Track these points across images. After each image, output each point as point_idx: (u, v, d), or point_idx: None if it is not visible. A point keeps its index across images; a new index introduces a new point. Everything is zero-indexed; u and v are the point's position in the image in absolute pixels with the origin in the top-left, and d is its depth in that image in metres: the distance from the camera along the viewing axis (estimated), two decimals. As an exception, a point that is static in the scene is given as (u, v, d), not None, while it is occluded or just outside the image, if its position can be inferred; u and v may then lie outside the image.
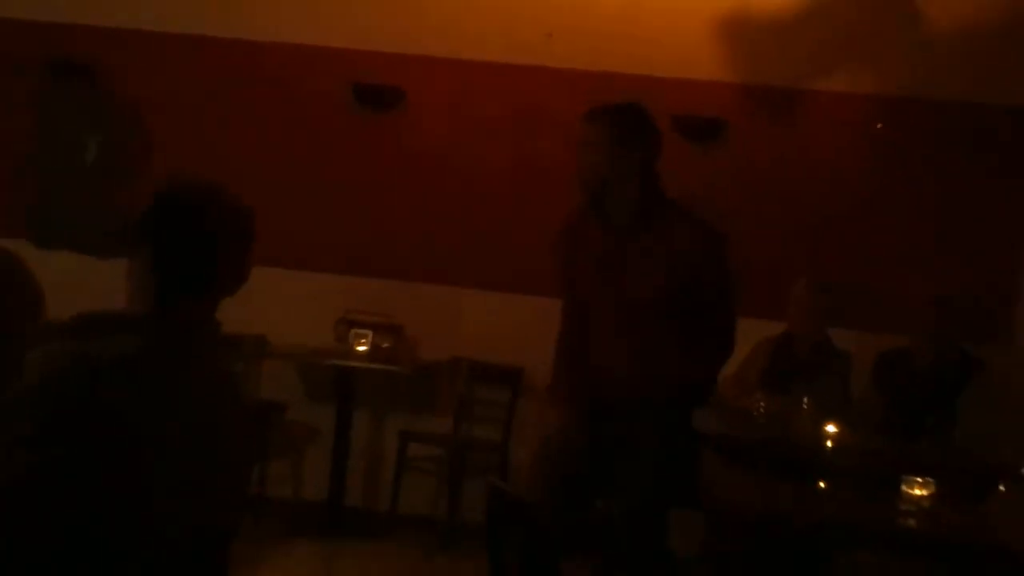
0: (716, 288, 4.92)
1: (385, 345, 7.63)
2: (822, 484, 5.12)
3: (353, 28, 7.84)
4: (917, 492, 4.61)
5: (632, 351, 4.90)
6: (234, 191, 2.84)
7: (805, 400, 6.03)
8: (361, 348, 7.55)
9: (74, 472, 2.38)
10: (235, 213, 2.83)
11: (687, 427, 5.06)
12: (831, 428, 5.66)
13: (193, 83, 7.96)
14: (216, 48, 7.94)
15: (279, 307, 7.76)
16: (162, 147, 7.75)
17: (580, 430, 5.02)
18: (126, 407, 2.49)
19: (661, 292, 4.82)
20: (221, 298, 2.79)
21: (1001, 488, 4.66)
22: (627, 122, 4.91)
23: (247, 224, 2.84)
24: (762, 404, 6.20)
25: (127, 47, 7.93)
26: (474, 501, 7.23)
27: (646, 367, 4.89)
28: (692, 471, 4.97)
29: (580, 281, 5.07)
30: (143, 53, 7.94)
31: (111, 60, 7.94)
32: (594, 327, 5.01)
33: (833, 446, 5.60)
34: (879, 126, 7.52)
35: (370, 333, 7.60)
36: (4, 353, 2.18)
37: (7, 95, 8.00)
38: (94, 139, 7.91)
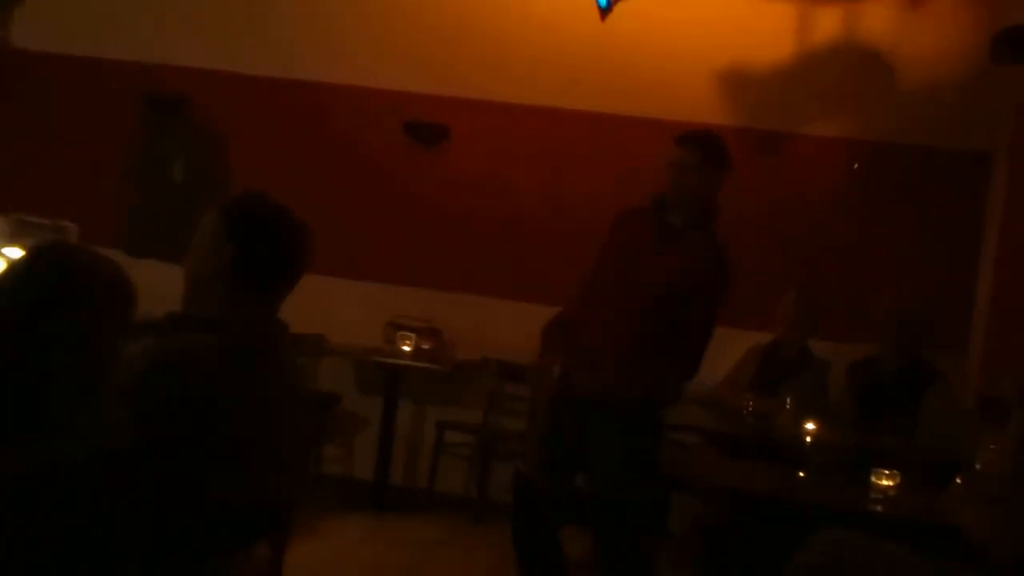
0: (702, 315, 4.88)
1: (426, 346, 7.64)
2: (801, 474, 5.11)
3: (405, 73, 7.86)
4: (884, 483, 4.62)
5: (630, 342, 4.83)
6: (300, 213, 2.82)
7: (788, 401, 6.02)
8: (406, 348, 7.57)
9: (168, 446, 2.41)
10: (298, 225, 2.79)
11: (655, 419, 4.99)
12: (810, 425, 5.65)
13: (268, 117, 8.00)
14: (288, 88, 7.98)
15: (336, 311, 7.80)
16: (239, 172, 7.80)
17: (561, 407, 4.98)
18: (207, 393, 2.51)
19: (672, 296, 4.80)
20: (282, 300, 2.77)
21: (958, 480, 4.65)
22: (715, 147, 4.91)
23: (305, 236, 2.78)
24: (751, 404, 6.19)
25: (212, 85, 7.98)
26: (501, 482, 7.26)
27: (637, 360, 4.84)
28: (656, 459, 4.90)
29: (613, 265, 5.00)
30: (226, 90, 7.98)
31: (198, 95, 7.99)
32: (604, 315, 4.95)
33: (812, 441, 5.59)
34: (856, 166, 7.53)
35: (414, 336, 7.61)
36: (110, 344, 2.20)
37: (110, 124, 8.06)
38: (181, 163, 7.96)
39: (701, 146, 4.90)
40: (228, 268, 2.65)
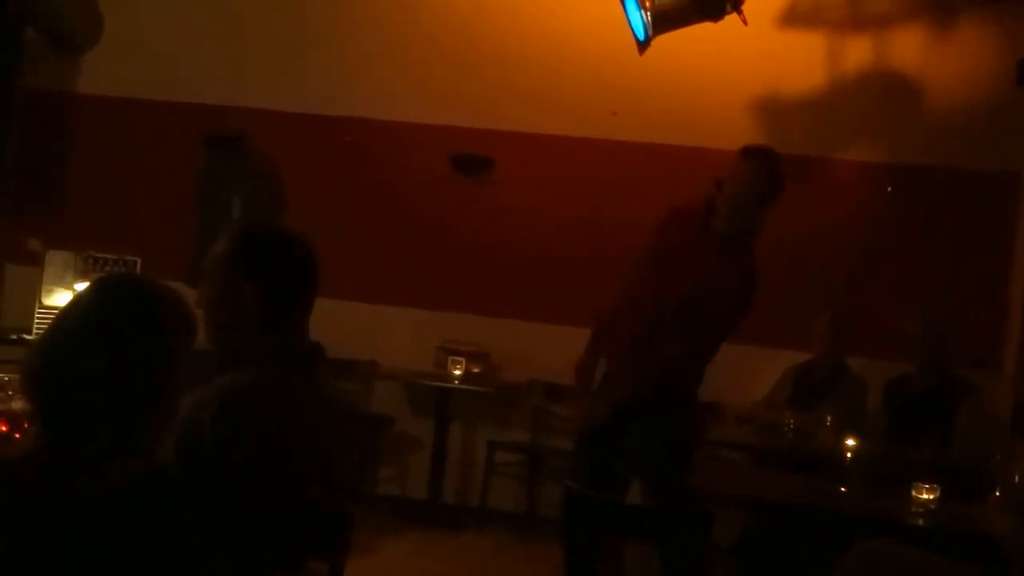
0: (739, 317, 4.83)
1: (475, 369, 7.63)
2: (843, 488, 5.04)
3: (450, 108, 7.88)
4: (925, 496, 4.54)
5: (670, 350, 4.80)
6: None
7: (828, 418, 5.97)
8: (456, 372, 7.55)
9: (227, 474, 2.43)
10: (304, 245, 2.74)
11: (692, 427, 4.94)
12: (850, 441, 5.58)
13: (320, 153, 8.04)
14: (339, 124, 8.02)
15: (388, 337, 7.83)
16: (294, 206, 7.83)
17: (607, 419, 4.93)
18: (257, 425, 2.52)
19: (706, 304, 4.75)
20: (305, 320, 2.73)
21: (996, 492, 4.57)
22: (777, 164, 4.84)
23: (312, 254, 2.73)
24: (791, 421, 6.14)
25: (268, 123, 8.02)
26: (549, 499, 7.22)
27: (675, 369, 4.79)
28: (687, 466, 4.84)
29: (658, 267, 4.96)
30: (280, 128, 8.02)
31: (255, 134, 8.04)
32: (643, 323, 4.90)
33: (852, 456, 5.52)
34: (888, 188, 7.47)
35: (463, 359, 7.59)
36: (174, 371, 2.20)
37: (173, 163, 8.12)
38: (239, 198, 8.00)
39: (767, 164, 4.82)
40: (246, 298, 2.61)
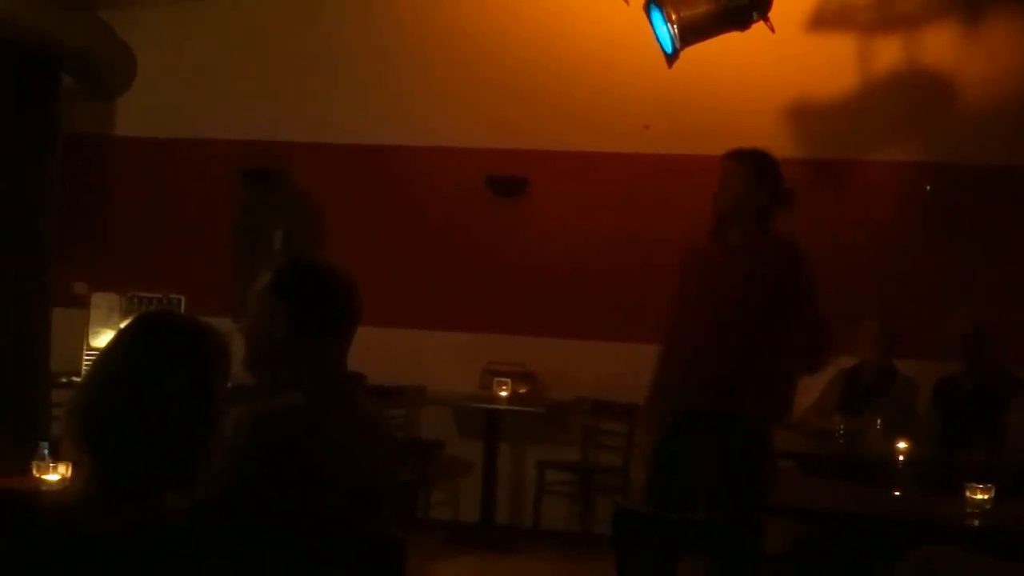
0: (801, 295, 4.81)
1: (522, 390, 7.62)
2: (896, 492, 5.00)
3: (484, 130, 7.90)
4: (979, 496, 4.48)
5: (724, 362, 4.77)
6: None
7: (879, 421, 5.92)
8: (503, 393, 7.54)
9: (272, 499, 2.45)
10: (345, 278, 2.78)
11: (767, 439, 4.91)
12: (901, 444, 5.54)
13: (357, 182, 8.07)
14: (377, 153, 8.06)
15: (434, 362, 7.85)
16: (333, 237, 7.88)
17: (669, 440, 4.92)
18: (300, 450, 2.55)
19: (755, 303, 4.72)
20: (346, 350, 2.75)
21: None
22: (762, 162, 4.86)
23: (353, 286, 2.77)
24: (841, 425, 6.10)
25: (304, 156, 8.08)
26: (603, 516, 7.19)
27: (736, 380, 4.76)
28: (768, 479, 4.81)
29: (691, 293, 4.97)
30: (317, 160, 8.07)
31: (292, 167, 8.09)
32: (692, 339, 4.90)
33: (903, 459, 5.48)
34: (927, 188, 7.41)
35: (509, 380, 7.58)
36: (216, 403, 2.22)
37: (212, 200, 8.18)
38: (279, 231, 8.05)
39: (744, 159, 4.86)
40: (282, 327, 2.65)
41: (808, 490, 5.20)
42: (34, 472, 3.50)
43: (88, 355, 6.71)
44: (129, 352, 2.18)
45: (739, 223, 4.83)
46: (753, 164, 4.85)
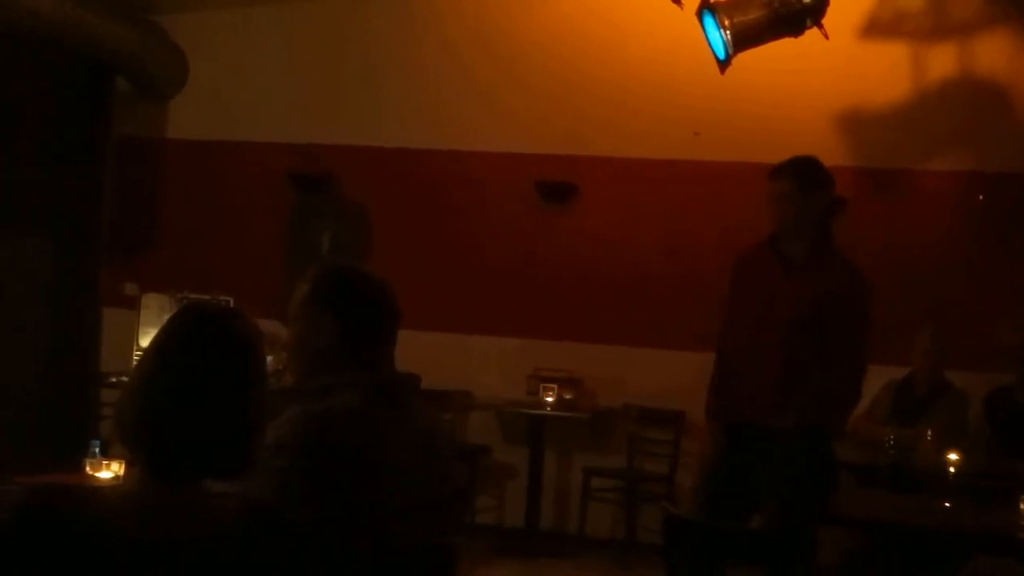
0: (851, 331, 4.74)
1: (568, 396, 7.59)
2: (947, 503, 4.94)
3: (533, 136, 7.89)
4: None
5: (781, 376, 4.73)
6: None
7: (929, 432, 5.85)
8: (548, 399, 7.52)
9: (321, 498, 2.44)
10: (382, 282, 2.80)
11: (827, 448, 4.85)
12: (952, 455, 5.48)
13: (406, 186, 8.09)
14: (425, 157, 8.07)
15: (480, 367, 7.84)
16: (381, 240, 7.90)
17: (728, 450, 4.88)
18: (355, 450, 2.56)
19: (813, 321, 4.67)
20: (391, 352, 2.76)
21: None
22: (809, 173, 4.80)
23: (390, 290, 2.79)
24: (891, 436, 6.04)
25: (353, 159, 8.10)
26: (648, 524, 7.15)
27: (792, 393, 4.71)
28: (829, 490, 4.76)
29: (745, 305, 4.93)
30: (366, 164, 8.10)
31: (341, 170, 8.12)
32: (748, 352, 4.86)
33: (955, 470, 5.42)
34: (980, 197, 7.33)
35: (555, 386, 7.56)
36: (260, 393, 2.22)
37: (262, 203, 8.23)
38: (327, 234, 8.08)
39: (788, 175, 4.78)
40: (325, 334, 2.68)
41: (860, 500, 5.14)
42: (87, 470, 3.52)
43: (138, 355, 6.75)
44: (173, 344, 2.19)
45: (798, 238, 4.77)
46: (797, 176, 4.78)
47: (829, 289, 4.67)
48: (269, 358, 3.14)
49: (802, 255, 4.77)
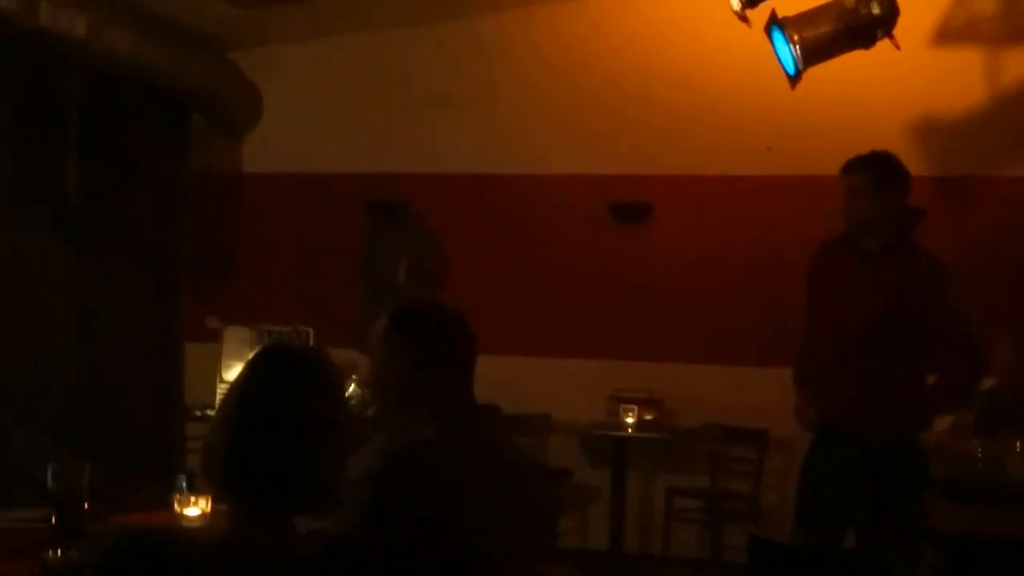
0: (949, 317, 4.68)
1: (648, 416, 7.56)
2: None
3: (605, 157, 7.90)
4: None
5: (866, 376, 4.67)
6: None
7: (1018, 443, 5.74)
8: (629, 420, 7.48)
9: (407, 531, 2.47)
10: (458, 313, 2.86)
11: (920, 457, 4.79)
12: (1044, 466, 5.37)
13: (479, 212, 8.13)
14: (497, 182, 8.11)
15: (559, 390, 7.83)
16: (457, 268, 7.94)
17: (815, 461, 4.83)
18: (440, 483, 2.58)
19: (896, 316, 4.61)
20: (470, 383, 2.80)
21: None
22: (883, 168, 4.76)
23: (465, 320, 2.85)
24: (979, 449, 5.93)
25: (427, 187, 8.16)
26: (732, 543, 7.10)
27: (880, 394, 4.65)
28: (920, 501, 4.69)
29: (825, 301, 4.88)
30: (439, 191, 8.15)
31: (415, 198, 8.18)
32: (827, 354, 4.80)
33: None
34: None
35: (635, 407, 7.53)
36: (343, 430, 2.25)
37: (336, 232, 8.31)
38: (403, 263, 8.14)
39: (862, 170, 4.75)
40: (413, 368, 2.72)
41: (951, 515, 5.05)
42: (175, 506, 3.56)
43: (222, 388, 6.84)
44: (255, 384, 2.23)
45: (875, 231, 4.73)
46: (872, 169, 4.75)
47: (911, 283, 4.61)
48: (354, 389, 3.19)
49: (878, 248, 4.72)
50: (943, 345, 4.69)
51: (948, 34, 7.35)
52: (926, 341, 4.68)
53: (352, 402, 2.99)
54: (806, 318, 5.04)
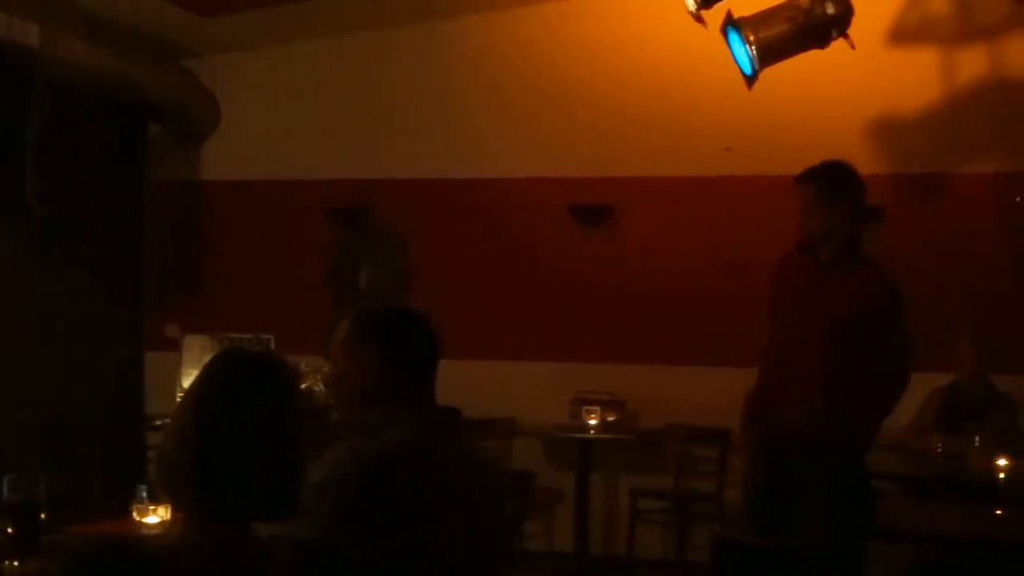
0: (891, 328, 4.72)
1: (612, 418, 7.56)
2: (998, 511, 4.88)
3: (565, 159, 7.90)
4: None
5: (816, 388, 4.70)
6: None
7: (977, 439, 5.79)
8: (592, 422, 7.48)
9: (372, 536, 2.46)
10: (423, 317, 2.84)
11: (860, 464, 4.82)
12: (1002, 461, 5.41)
13: (441, 217, 8.11)
14: (460, 187, 8.10)
15: (523, 393, 7.82)
16: (420, 272, 7.92)
17: (769, 465, 4.86)
18: (404, 486, 2.56)
19: (846, 324, 4.65)
20: (432, 387, 2.79)
21: None
22: (835, 180, 4.77)
23: (431, 325, 2.82)
24: (939, 445, 5.98)
25: (391, 193, 8.14)
26: (698, 543, 7.12)
27: (826, 401, 4.69)
28: (867, 506, 4.72)
29: (781, 313, 4.92)
30: (404, 196, 8.13)
31: (379, 204, 8.16)
32: (785, 363, 4.83)
33: (1006, 477, 5.35)
34: (1018, 199, 7.27)
35: (599, 409, 7.52)
36: (299, 433, 2.23)
37: (299, 239, 8.28)
38: (367, 270, 8.11)
39: (814, 183, 4.77)
40: (377, 375, 2.70)
41: (913, 513, 5.09)
42: (134, 515, 3.53)
43: (180, 398, 6.80)
44: (211, 389, 2.20)
45: (828, 242, 4.76)
46: (824, 179, 4.77)
47: (861, 303, 4.65)
48: (319, 389, 3.17)
49: (829, 257, 4.75)
50: (879, 363, 4.72)
51: (903, 34, 7.41)
52: (867, 355, 4.71)
53: (316, 403, 2.96)
54: (768, 329, 5.06)
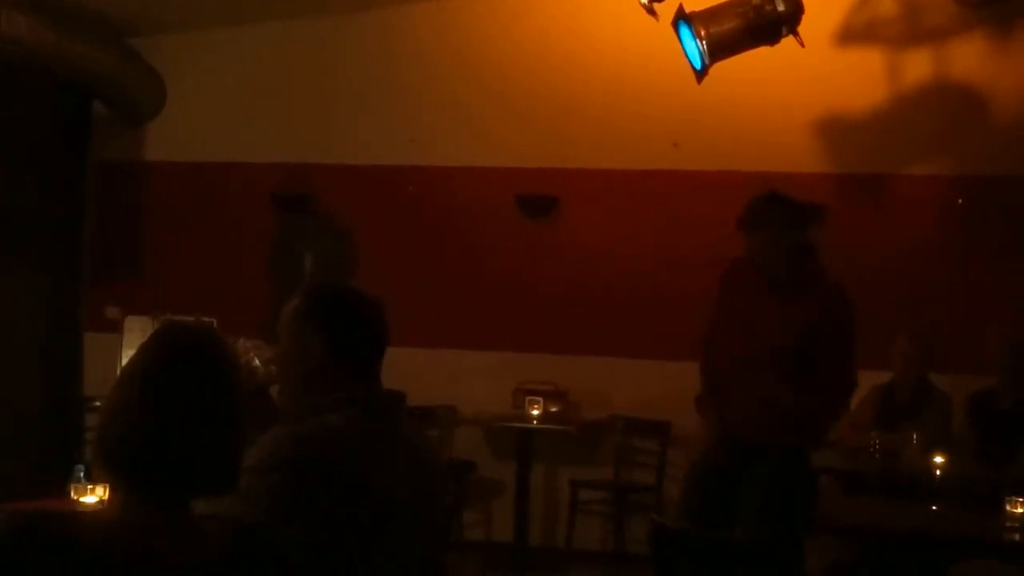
0: (841, 344, 4.78)
1: (554, 409, 7.58)
2: (934, 507, 4.95)
3: (512, 150, 7.90)
4: (1021, 511, 4.42)
5: (766, 395, 4.76)
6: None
7: (914, 436, 5.86)
8: (534, 412, 7.49)
9: (310, 518, 2.44)
10: (372, 301, 2.79)
11: (806, 465, 4.90)
12: (938, 459, 5.48)
13: (386, 204, 8.08)
14: (406, 174, 8.07)
15: (465, 382, 7.82)
16: (363, 259, 7.89)
17: (717, 458, 4.91)
18: (343, 470, 2.54)
19: (797, 340, 4.70)
20: (378, 371, 2.75)
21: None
22: (781, 222, 4.82)
23: (381, 309, 2.78)
24: (876, 441, 6.04)
25: (335, 179, 8.10)
26: (637, 535, 7.15)
27: (779, 411, 4.74)
28: (810, 502, 4.80)
29: (732, 322, 4.95)
30: (348, 183, 8.09)
31: (323, 190, 8.12)
32: (736, 369, 4.88)
33: (941, 474, 5.43)
34: (960, 201, 7.36)
35: (541, 399, 7.54)
36: (238, 408, 2.21)
37: (242, 222, 8.21)
38: (310, 253, 8.06)
39: (762, 230, 4.81)
40: (323, 356, 2.65)
41: (849, 508, 5.15)
42: (72, 495, 3.50)
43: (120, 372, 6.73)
44: (147, 366, 2.17)
45: (776, 266, 4.81)
46: (771, 228, 4.80)
47: (815, 318, 4.71)
48: (258, 364, 3.13)
49: (780, 279, 4.81)
50: (826, 373, 4.78)
51: (851, 35, 7.48)
52: (819, 366, 4.77)
53: (257, 379, 2.92)
54: (713, 327, 5.09)
